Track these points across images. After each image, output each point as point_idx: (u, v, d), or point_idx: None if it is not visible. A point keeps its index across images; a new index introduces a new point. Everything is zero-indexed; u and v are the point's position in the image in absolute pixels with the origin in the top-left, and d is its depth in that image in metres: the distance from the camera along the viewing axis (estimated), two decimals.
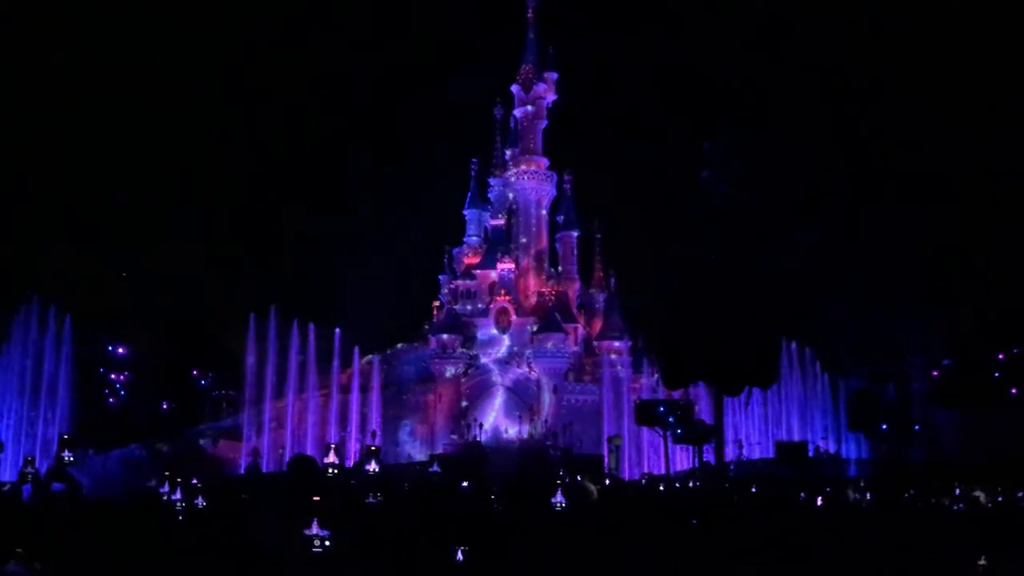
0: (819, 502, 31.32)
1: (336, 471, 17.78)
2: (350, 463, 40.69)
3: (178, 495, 19.28)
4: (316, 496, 13.25)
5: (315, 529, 11.18)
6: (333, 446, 18.64)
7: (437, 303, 66.70)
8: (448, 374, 60.04)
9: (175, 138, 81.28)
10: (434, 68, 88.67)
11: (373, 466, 19.39)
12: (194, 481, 23.38)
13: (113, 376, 53.37)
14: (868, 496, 33.32)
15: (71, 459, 18.78)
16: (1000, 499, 32.81)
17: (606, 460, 53.38)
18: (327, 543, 11.07)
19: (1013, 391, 49.24)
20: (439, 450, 56.21)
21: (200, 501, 19.91)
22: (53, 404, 44.10)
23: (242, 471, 48.70)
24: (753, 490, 35.27)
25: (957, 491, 31.38)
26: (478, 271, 65.46)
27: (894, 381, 55.67)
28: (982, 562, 13.72)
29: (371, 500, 19.62)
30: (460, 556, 12.88)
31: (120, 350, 54.06)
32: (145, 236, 71.57)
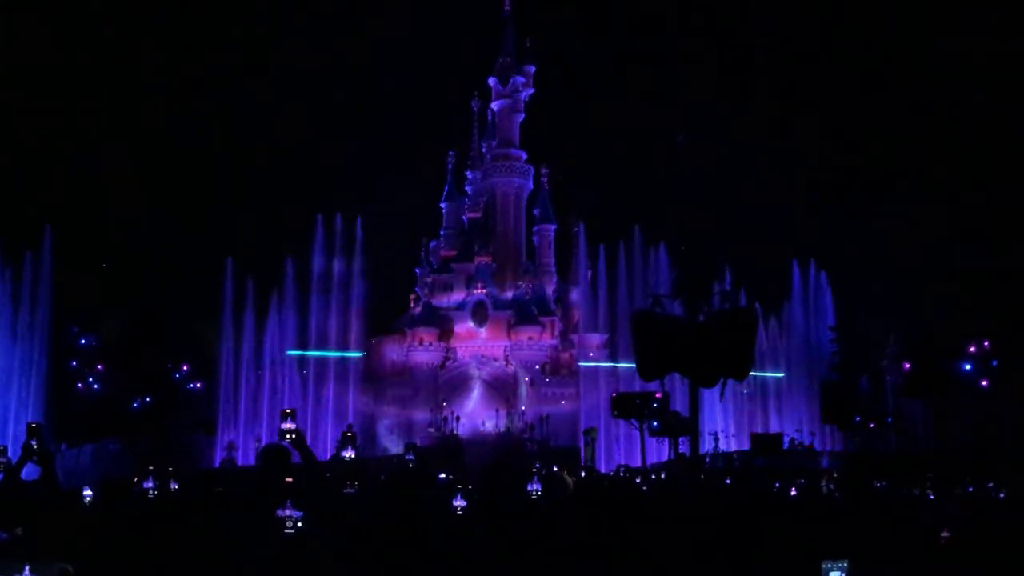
0: (792, 492, 31.57)
1: (293, 436, 17.60)
2: (325, 453, 40.63)
3: (151, 484, 19.10)
4: (288, 478, 13.16)
5: (288, 510, 11.07)
6: (291, 411, 18.47)
7: (414, 296, 66.60)
8: (425, 367, 60.04)
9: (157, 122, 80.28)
10: (411, 60, 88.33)
11: (349, 452, 19.26)
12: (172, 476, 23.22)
13: (83, 367, 52.75)
14: (836, 486, 33.70)
15: (35, 447, 18.53)
16: (970, 489, 33.32)
17: (582, 452, 53.54)
18: (299, 524, 10.96)
19: (984, 383, 50.00)
20: (416, 442, 56.19)
21: (176, 492, 19.79)
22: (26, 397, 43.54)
23: (216, 465, 48.40)
24: (728, 481, 35.49)
25: (929, 480, 31.84)
26: (455, 264, 65.43)
27: (867, 373, 56.36)
28: (945, 534, 14.00)
29: (349, 491, 19.51)
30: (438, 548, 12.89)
31: (86, 340, 53.43)
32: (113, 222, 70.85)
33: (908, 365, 54.62)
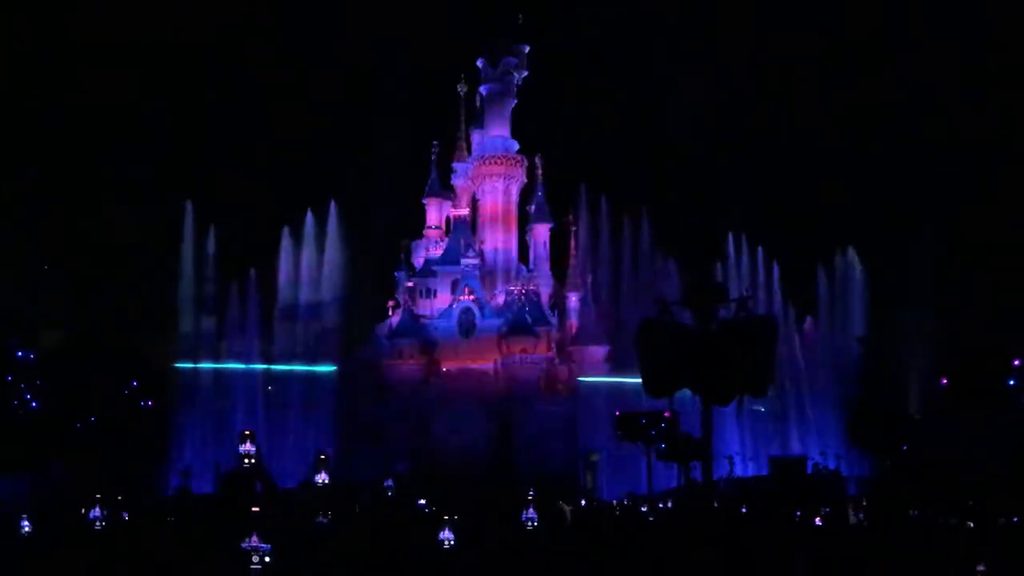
0: (817, 522, 31.79)
1: (252, 460, 17.64)
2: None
3: (98, 513, 19.12)
4: (254, 507, 13.15)
5: (254, 542, 11.11)
6: (249, 433, 18.52)
7: (393, 303, 66.60)
8: (405, 383, 60.03)
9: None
10: (388, 38, 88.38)
11: (323, 478, 19.32)
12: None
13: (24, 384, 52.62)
14: (866, 515, 33.91)
15: None
16: (1014, 519, 33.52)
17: (582, 478, 53.69)
18: (267, 559, 11.02)
19: None
20: (396, 466, 56.26)
21: (127, 523, 19.80)
22: None
23: (169, 492, 48.34)
24: (744, 510, 35.70)
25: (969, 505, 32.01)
26: (439, 267, 65.50)
27: (899, 390, 56.68)
28: (981, 568, 14.18)
29: (321, 521, 19.58)
30: None
31: (23, 353, 53.31)
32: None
33: (945, 380, 54.98)
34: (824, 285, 61.46)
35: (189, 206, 57.90)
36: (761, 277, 61.13)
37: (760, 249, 61.57)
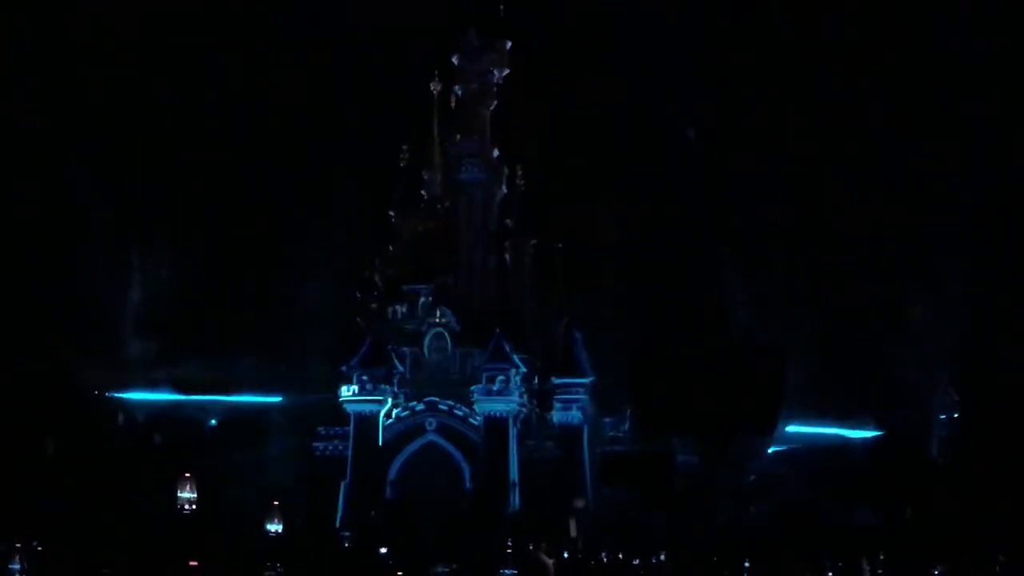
0: None
1: (193, 507, 17.51)
2: None
3: (17, 566, 18.96)
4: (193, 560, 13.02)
5: None
6: (188, 476, 18.32)
7: (355, 327, 66.41)
8: (366, 417, 59.81)
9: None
10: (352, 31, 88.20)
11: (276, 526, 19.20)
12: None
13: None
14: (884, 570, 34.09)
15: None
16: None
17: (570, 526, 53.73)
18: None
19: None
20: (353, 511, 56.16)
21: None
22: None
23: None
24: (747, 564, 35.76)
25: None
26: (407, 287, 65.46)
27: (913, 424, 57.30)
28: None
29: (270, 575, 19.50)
30: None
31: None
32: None
33: (957, 415, 55.67)
34: None
35: None
36: None
37: None
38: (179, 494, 17.76)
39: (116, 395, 57.05)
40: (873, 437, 56.69)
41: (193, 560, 15.16)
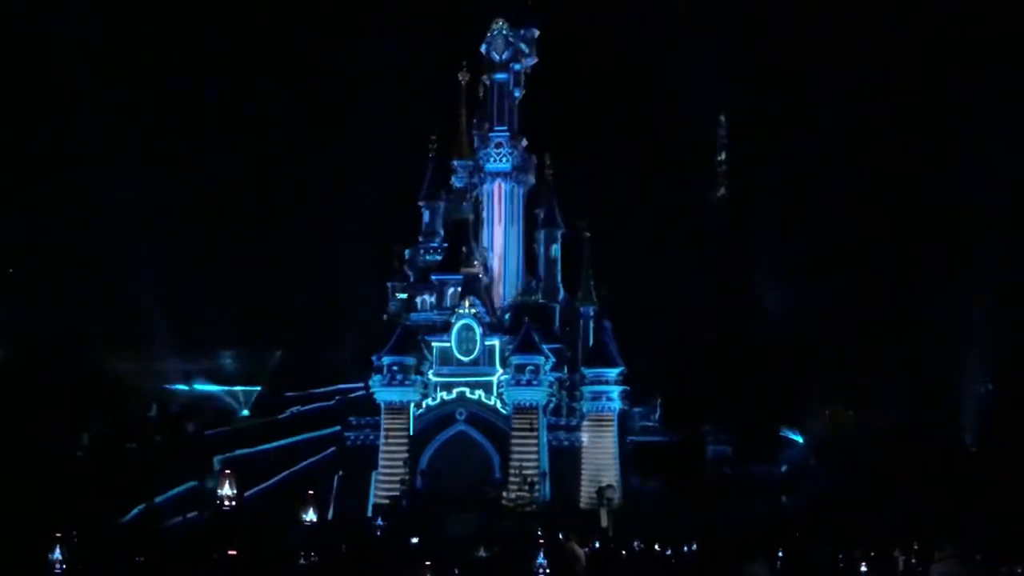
0: (863, 568, 31.75)
1: (233, 503, 17.66)
2: None
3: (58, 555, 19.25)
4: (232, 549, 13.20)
5: None
6: (228, 472, 18.45)
7: (385, 317, 66.71)
8: (396, 407, 60.08)
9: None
10: (380, 21, 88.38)
11: (311, 515, 19.35)
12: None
13: None
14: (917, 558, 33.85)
15: None
16: None
17: (601, 516, 53.80)
18: None
19: None
20: (385, 499, 56.57)
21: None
22: None
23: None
24: (780, 555, 35.61)
25: None
26: (437, 277, 65.57)
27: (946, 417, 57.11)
28: None
29: (303, 563, 19.68)
30: None
31: None
32: None
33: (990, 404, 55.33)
34: None
35: None
36: None
37: None
38: (219, 491, 17.90)
39: (171, 387, 57.75)
40: (906, 426, 56.35)
41: (232, 550, 15.35)
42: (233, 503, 17.75)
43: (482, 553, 26.29)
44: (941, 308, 63.40)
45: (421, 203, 70.16)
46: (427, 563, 18.91)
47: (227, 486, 18.11)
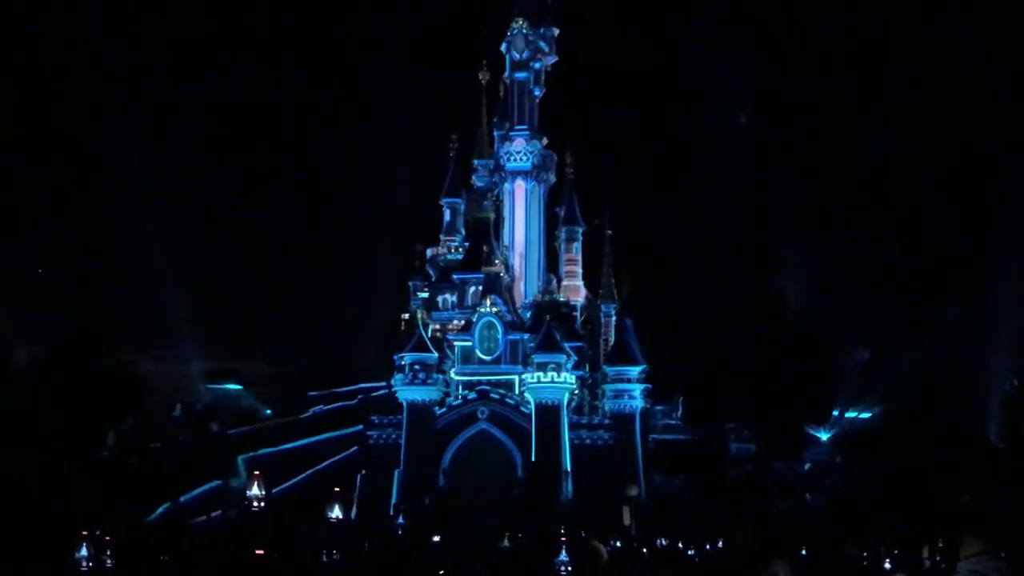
0: (887, 565, 31.53)
1: (262, 504, 17.78)
2: None
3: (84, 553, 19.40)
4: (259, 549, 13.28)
5: None
6: (257, 472, 18.50)
7: (407, 316, 66.84)
8: (418, 406, 60.17)
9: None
10: (401, 18, 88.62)
11: (337, 513, 19.43)
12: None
13: None
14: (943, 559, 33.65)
15: None
16: None
17: (624, 514, 53.71)
18: None
19: None
20: (406, 499, 56.59)
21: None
22: None
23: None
24: (803, 552, 35.46)
25: None
26: (458, 275, 65.65)
27: (971, 413, 56.67)
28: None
29: (327, 560, 19.75)
30: None
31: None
32: None
33: (1016, 400, 54.82)
34: None
35: None
36: None
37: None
38: (247, 491, 18.01)
39: (195, 387, 58.13)
40: (931, 423, 55.98)
41: (259, 549, 15.45)
42: (262, 503, 17.86)
43: (505, 543, 26.30)
44: (968, 306, 62.99)
45: (442, 202, 70.32)
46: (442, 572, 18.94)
47: (256, 486, 18.21)
